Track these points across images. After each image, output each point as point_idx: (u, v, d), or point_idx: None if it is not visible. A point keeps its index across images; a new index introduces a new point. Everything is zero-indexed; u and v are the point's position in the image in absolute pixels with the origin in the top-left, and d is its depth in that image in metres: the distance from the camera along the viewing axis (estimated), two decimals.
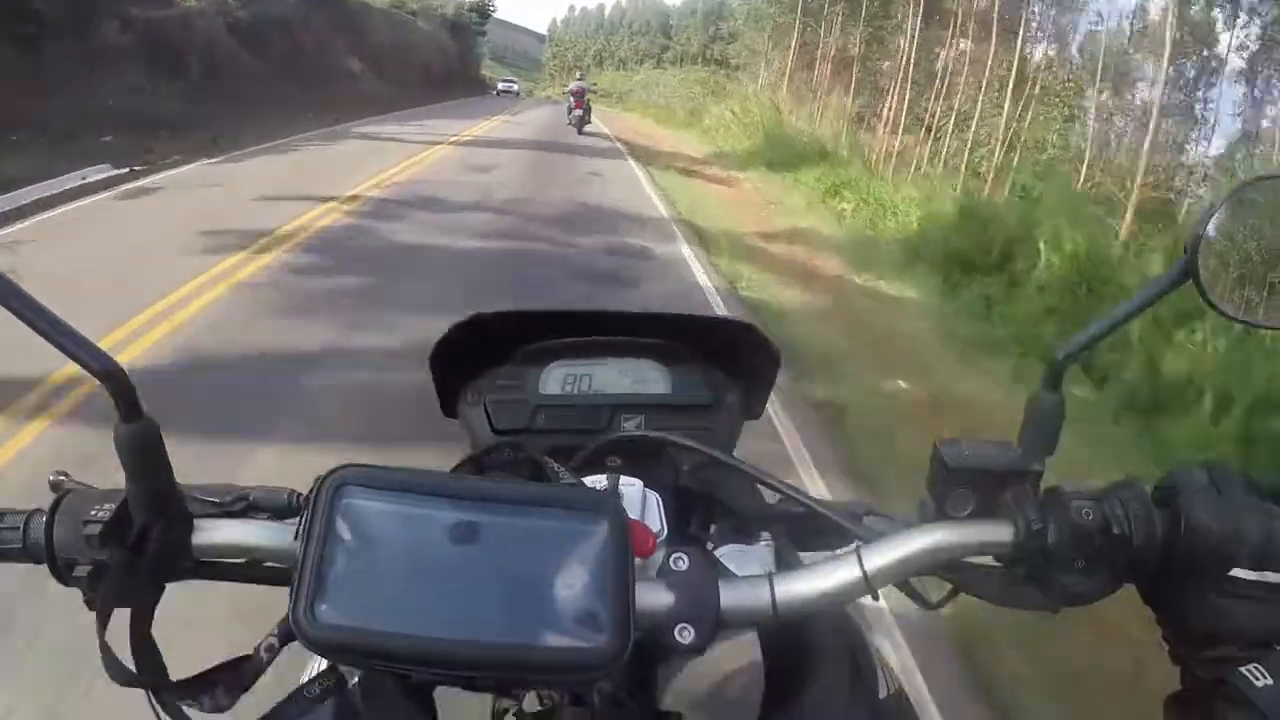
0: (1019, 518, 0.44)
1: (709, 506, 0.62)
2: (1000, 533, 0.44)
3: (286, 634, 0.40)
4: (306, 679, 0.44)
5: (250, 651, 0.42)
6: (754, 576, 0.45)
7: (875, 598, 0.46)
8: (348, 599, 0.36)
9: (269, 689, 0.44)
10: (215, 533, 0.44)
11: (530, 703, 0.50)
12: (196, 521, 0.44)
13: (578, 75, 18.25)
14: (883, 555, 0.44)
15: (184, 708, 0.40)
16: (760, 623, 0.44)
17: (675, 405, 0.71)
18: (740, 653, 0.58)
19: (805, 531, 0.55)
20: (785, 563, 0.53)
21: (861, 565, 0.44)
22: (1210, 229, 0.43)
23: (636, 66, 64.29)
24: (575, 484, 0.48)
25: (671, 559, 0.43)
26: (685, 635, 0.41)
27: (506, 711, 0.52)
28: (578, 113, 15.19)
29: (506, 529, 0.38)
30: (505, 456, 0.52)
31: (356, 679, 0.44)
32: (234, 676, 0.41)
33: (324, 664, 0.45)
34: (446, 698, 0.51)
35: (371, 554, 0.37)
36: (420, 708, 0.50)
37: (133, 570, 0.41)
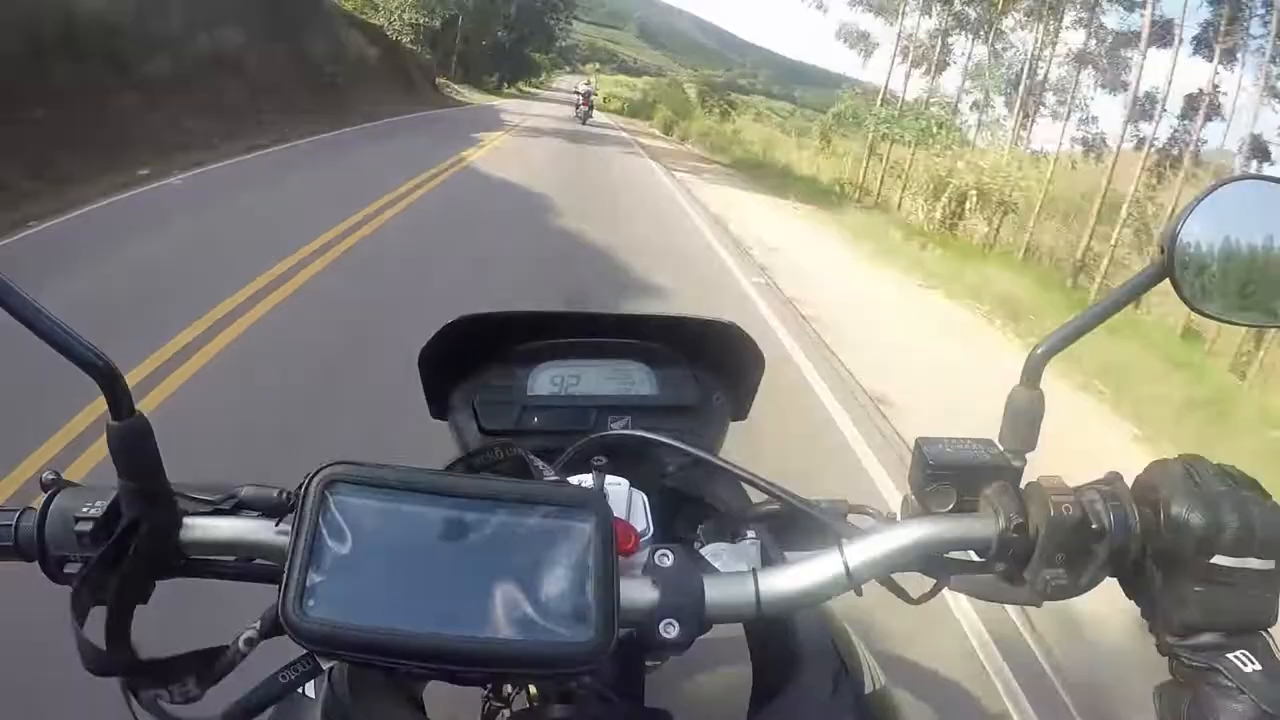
0: (999, 513, 0.44)
1: (696, 507, 0.62)
2: (981, 528, 0.44)
3: (268, 628, 0.40)
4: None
5: (227, 643, 0.41)
6: (738, 573, 0.45)
7: (858, 593, 0.46)
8: (335, 594, 0.37)
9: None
10: (204, 530, 0.44)
11: (520, 700, 0.51)
12: (186, 519, 0.44)
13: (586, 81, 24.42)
14: (865, 551, 0.45)
15: (156, 697, 0.39)
16: (745, 618, 0.45)
17: (662, 406, 0.71)
18: (729, 650, 0.59)
19: (791, 530, 0.55)
20: (770, 560, 0.54)
21: (844, 561, 0.45)
22: (1185, 228, 0.44)
23: None
24: (560, 482, 0.49)
25: (656, 556, 0.44)
26: (670, 630, 0.42)
27: (498, 710, 0.52)
28: (584, 109, 21.80)
29: (492, 526, 0.39)
30: (494, 455, 0.53)
31: (333, 667, 0.44)
32: (207, 667, 0.41)
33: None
34: (438, 697, 0.51)
35: (359, 550, 0.38)
36: (409, 704, 0.50)
37: (121, 567, 0.41)
